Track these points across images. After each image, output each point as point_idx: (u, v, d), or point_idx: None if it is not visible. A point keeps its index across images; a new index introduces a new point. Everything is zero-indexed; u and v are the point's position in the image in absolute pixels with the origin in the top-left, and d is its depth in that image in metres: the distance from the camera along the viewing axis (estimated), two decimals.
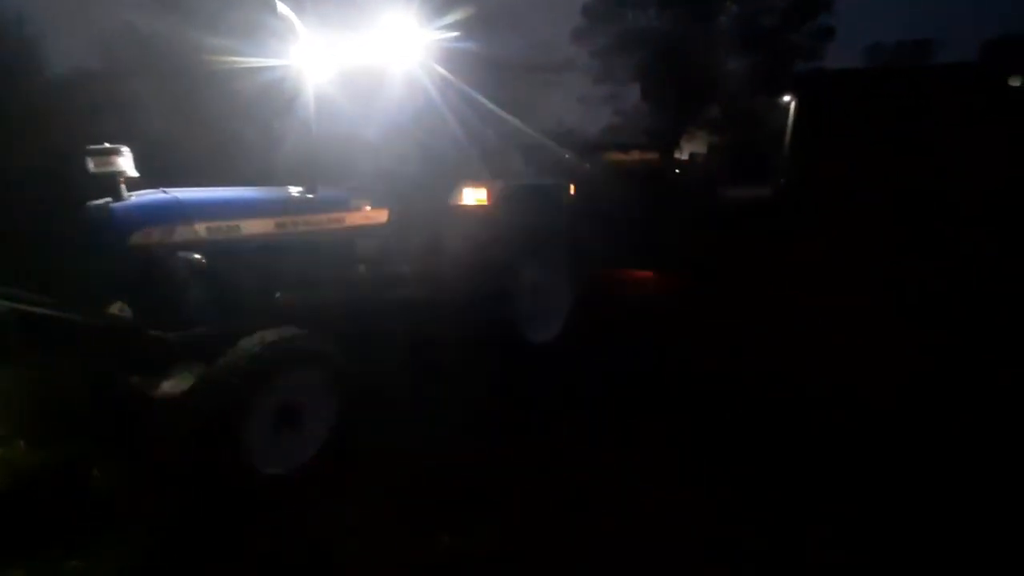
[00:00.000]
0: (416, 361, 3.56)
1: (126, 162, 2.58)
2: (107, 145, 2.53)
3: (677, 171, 11.65)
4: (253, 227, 3.00)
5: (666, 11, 20.16)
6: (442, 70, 3.76)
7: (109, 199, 2.58)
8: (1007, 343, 4.29)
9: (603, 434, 3.13)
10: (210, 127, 5.66)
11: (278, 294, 3.09)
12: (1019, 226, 6.78)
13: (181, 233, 2.70)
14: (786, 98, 11.09)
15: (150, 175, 2.82)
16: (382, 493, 2.56)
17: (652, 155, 12.01)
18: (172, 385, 2.52)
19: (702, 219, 8.74)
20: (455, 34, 3.72)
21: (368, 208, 3.61)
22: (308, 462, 2.60)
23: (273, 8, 3.35)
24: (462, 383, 3.53)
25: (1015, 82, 7.99)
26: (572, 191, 4.71)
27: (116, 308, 2.81)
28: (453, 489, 2.61)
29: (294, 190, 3.44)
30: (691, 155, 16.13)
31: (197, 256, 2.68)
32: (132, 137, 3.96)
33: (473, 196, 3.89)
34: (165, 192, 2.81)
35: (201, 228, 2.78)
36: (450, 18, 3.79)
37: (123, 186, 2.59)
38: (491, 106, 4.35)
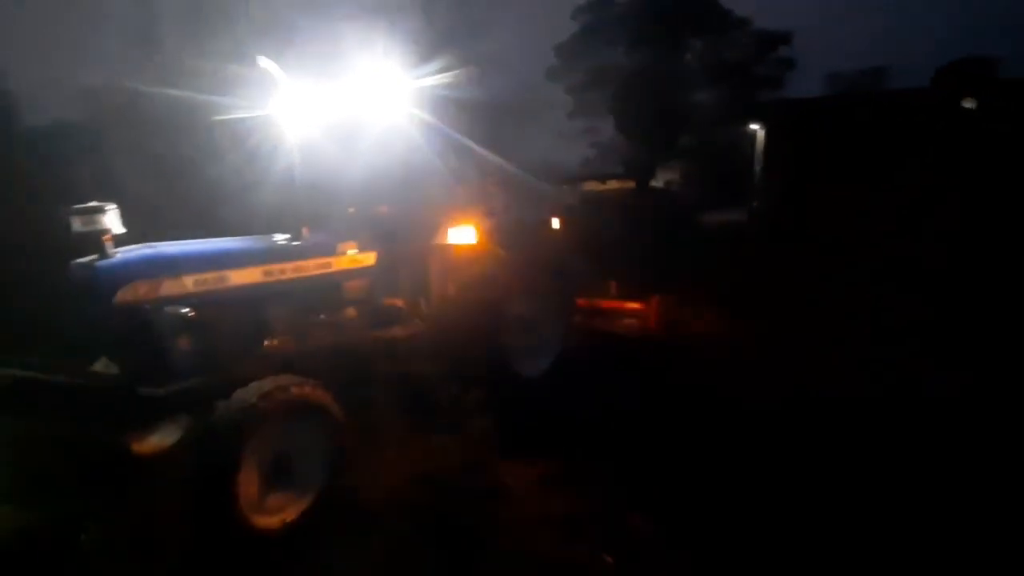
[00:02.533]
0: (409, 401, 3.53)
1: (111, 219, 2.58)
2: (92, 203, 2.54)
3: (654, 199, 11.93)
4: (241, 277, 3.00)
5: (635, 49, 21.02)
6: (425, 114, 3.86)
7: (95, 256, 2.57)
8: (971, 353, 4.40)
9: (602, 469, 3.10)
10: (193, 178, 5.68)
11: (267, 342, 3.06)
12: (975, 238, 7.14)
13: (168, 287, 2.69)
14: (754, 126, 11.56)
15: (134, 229, 2.82)
16: (379, 539, 2.51)
17: (629, 184, 12.34)
18: (159, 440, 2.47)
19: (682, 245, 8.91)
20: (437, 80, 3.84)
21: (356, 251, 3.63)
22: (304, 512, 2.55)
23: (254, 61, 3.44)
24: (457, 421, 3.50)
25: (968, 104, 8.48)
26: (558, 224, 4.79)
27: (100, 365, 2.77)
28: (450, 531, 2.57)
29: (280, 237, 3.46)
30: (667, 183, 16.56)
31: (185, 309, 2.66)
32: (113, 189, 3.98)
33: (460, 235, 3.95)
34: (151, 247, 2.81)
35: (188, 281, 2.77)
36: (432, 65, 3.92)
37: (108, 243, 2.58)
38: (473, 145, 4.45)
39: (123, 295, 2.54)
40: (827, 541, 2.43)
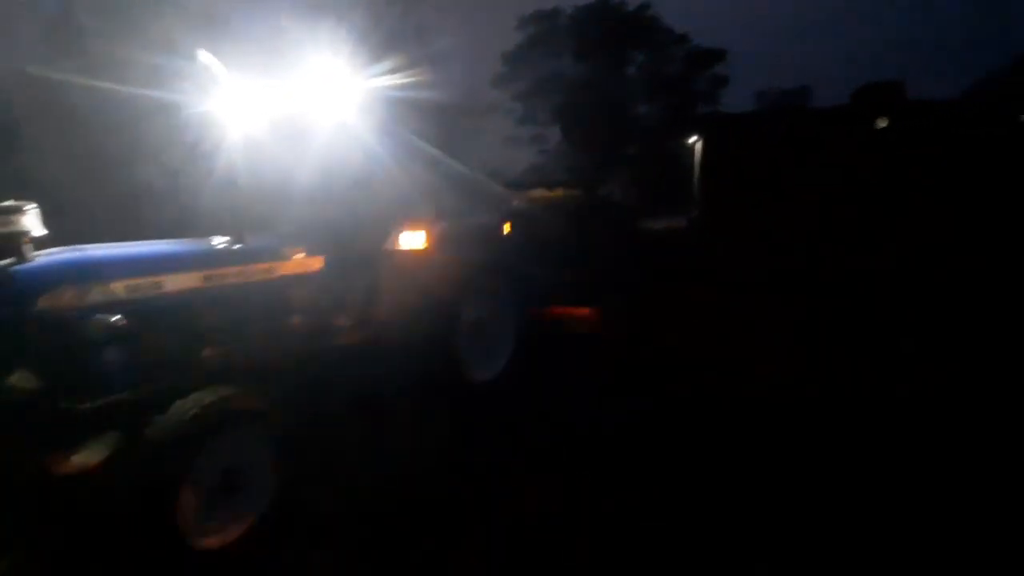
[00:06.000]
0: (359, 410, 3.44)
1: (31, 220, 2.39)
2: (9, 203, 2.33)
3: (600, 206, 12.26)
4: (178, 282, 2.83)
5: (580, 60, 21.60)
6: (374, 113, 3.80)
7: (12, 260, 2.36)
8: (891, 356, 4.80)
9: (559, 470, 3.14)
10: (124, 177, 5.29)
11: (208, 351, 2.91)
12: (889, 243, 8.01)
13: (97, 294, 2.50)
14: (692, 138, 12.11)
15: (57, 231, 2.61)
16: (333, 553, 2.43)
17: (576, 191, 12.62)
18: (84, 459, 2.29)
19: (627, 251, 9.20)
20: (387, 80, 3.79)
21: (302, 255, 3.51)
22: (249, 531, 2.43)
23: (191, 54, 3.28)
24: (408, 430, 3.45)
25: (882, 123, 9.33)
26: (509, 228, 4.81)
27: (15, 379, 2.53)
28: (405, 547, 2.51)
29: (220, 240, 3.30)
30: (612, 190, 17.08)
31: (116, 317, 2.48)
32: (32, 188, 3.67)
33: (411, 238, 3.90)
34: (78, 250, 2.61)
35: (119, 287, 2.58)
36: (381, 65, 3.87)
37: (28, 246, 2.38)
38: (424, 146, 4.40)
39: (45, 302, 2.34)
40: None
